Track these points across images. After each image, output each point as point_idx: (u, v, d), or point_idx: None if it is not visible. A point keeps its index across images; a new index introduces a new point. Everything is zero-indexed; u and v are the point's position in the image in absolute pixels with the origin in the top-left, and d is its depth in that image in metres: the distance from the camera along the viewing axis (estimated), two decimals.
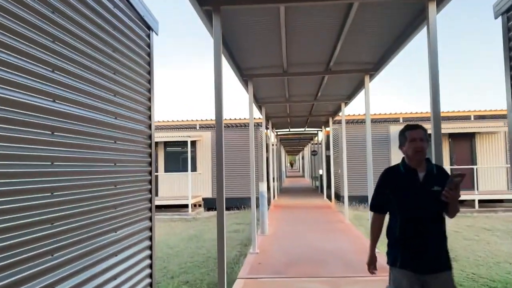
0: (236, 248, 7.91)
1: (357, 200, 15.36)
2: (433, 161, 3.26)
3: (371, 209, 2.85)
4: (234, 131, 16.22)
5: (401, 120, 18.65)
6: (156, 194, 16.06)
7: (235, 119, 19.50)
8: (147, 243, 3.65)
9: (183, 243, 8.76)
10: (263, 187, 8.20)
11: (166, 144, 16.30)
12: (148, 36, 3.79)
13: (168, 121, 19.59)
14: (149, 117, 3.79)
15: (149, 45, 3.79)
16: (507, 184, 14.91)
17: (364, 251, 5.19)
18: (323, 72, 7.37)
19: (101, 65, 2.81)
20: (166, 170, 16.22)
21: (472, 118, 18.97)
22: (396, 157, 15.50)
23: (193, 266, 6.88)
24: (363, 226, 9.67)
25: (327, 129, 19.97)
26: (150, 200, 3.80)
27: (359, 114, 19.10)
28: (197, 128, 17.24)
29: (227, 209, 15.60)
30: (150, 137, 3.80)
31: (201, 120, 19.27)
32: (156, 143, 15.93)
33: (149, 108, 3.79)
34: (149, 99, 3.79)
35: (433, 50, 3.85)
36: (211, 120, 19.49)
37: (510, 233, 9.39)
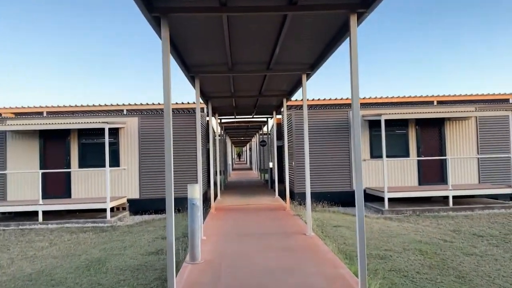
0: None
1: (312, 198, 13.10)
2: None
3: None
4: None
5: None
6: (69, 196, 12.82)
7: (176, 103, 16.51)
8: None
9: (72, 277, 5.85)
10: (194, 192, 5.50)
11: (81, 133, 13.04)
12: None
13: (90, 105, 16.25)
14: None
15: None
16: (478, 177, 13.33)
17: None
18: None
19: None
20: (81, 166, 12.99)
21: (436, 104, 17.41)
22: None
23: None
24: (332, 239, 7.28)
25: (278, 116, 17.63)
26: None
27: (318, 99, 16.92)
28: (124, 112, 14.08)
29: (158, 212, 12.71)
30: None
31: (129, 104, 16.14)
32: (68, 131, 12.64)
33: None
34: None
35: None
36: (141, 104, 16.41)
37: (509, 241, 7.46)
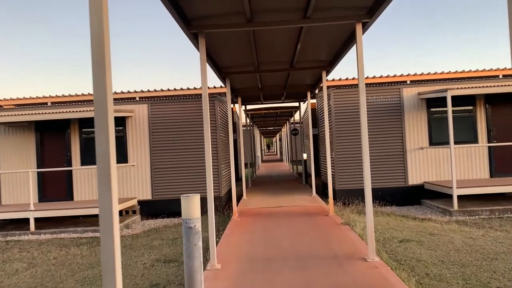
0: None
1: (353, 195, 10.74)
2: None
3: None
4: (185, 103, 11.22)
5: (408, 82, 14.15)
6: (71, 198, 11.04)
7: (188, 88, 14.51)
8: None
9: None
10: (191, 207, 3.34)
11: (83, 125, 11.18)
12: None
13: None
14: None
15: None
16: None
17: None
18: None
19: None
20: (83, 163, 11.15)
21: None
22: (412, 128, 10.88)
23: None
24: (407, 268, 4.96)
25: (312, 101, 15.30)
26: None
27: (353, 78, 14.46)
28: (137, 100, 12.17)
29: (173, 215, 10.75)
30: None
31: (142, 91, 14.21)
32: (67, 123, 10.81)
33: None
34: None
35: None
36: (155, 91, 14.45)
37: None
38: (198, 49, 5.18)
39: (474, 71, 13.73)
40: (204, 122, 4.91)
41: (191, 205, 3.27)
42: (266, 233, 6.65)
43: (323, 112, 13.03)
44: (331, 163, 11.12)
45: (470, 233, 6.91)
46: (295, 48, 6.83)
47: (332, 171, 11.53)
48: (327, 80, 11.61)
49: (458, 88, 9.23)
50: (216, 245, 5.93)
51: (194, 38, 5.23)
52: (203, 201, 10.91)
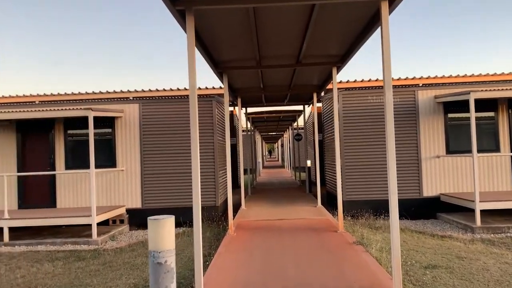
0: None
1: (362, 207, 9.79)
2: None
3: None
4: (181, 104, 10.30)
5: (420, 85, 13.26)
6: (54, 205, 10.10)
7: (185, 89, 13.62)
8: None
9: None
10: (161, 236, 2.39)
11: (68, 125, 10.27)
12: None
13: (89, 93, 13.58)
14: None
15: None
16: None
17: None
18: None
19: None
20: (68, 167, 10.22)
21: None
22: (427, 135, 9.93)
23: None
24: None
25: (318, 105, 14.38)
26: None
27: (362, 80, 13.55)
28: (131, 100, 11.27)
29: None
30: None
31: (135, 91, 13.32)
32: (51, 123, 9.93)
33: None
34: None
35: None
36: (150, 91, 13.57)
37: None
38: (185, 30, 4.23)
39: (492, 75, 12.80)
40: (191, 118, 3.98)
41: (161, 232, 2.33)
42: (266, 254, 5.69)
43: (329, 116, 12.10)
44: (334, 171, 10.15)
45: (503, 257, 5.93)
46: (303, 38, 5.84)
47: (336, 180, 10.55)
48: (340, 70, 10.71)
49: (482, 90, 8.29)
50: (206, 269, 4.97)
51: (180, 17, 4.33)
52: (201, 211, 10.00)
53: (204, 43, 6.00)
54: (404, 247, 6.40)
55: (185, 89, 13.18)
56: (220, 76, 7.56)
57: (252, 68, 7.26)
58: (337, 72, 7.45)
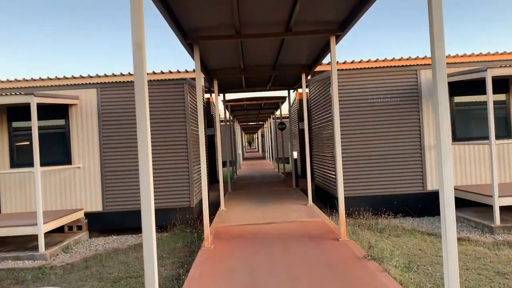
0: None
1: (358, 204, 8.55)
2: None
3: None
4: (148, 88, 8.72)
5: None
6: None
7: (153, 72, 12.07)
8: None
9: None
10: None
11: (12, 115, 8.62)
12: None
13: (50, 78, 11.90)
14: None
15: None
16: None
17: None
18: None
19: None
20: (14, 165, 8.61)
21: None
22: (431, 120, 8.65)
23: None
24: None
25: (300, 90, 13.03)
26: None
27: (368, 60, 12.30)
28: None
29: (130, 231, 8.40)
30: None
31: (96, 76, 11.68)
32: None
33: None
34: None
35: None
36: (113, 75, 11.95)
37: None
38: None
39: (502, 53, 11.62)
40: (136, 92, 2.55)
41: None
42: (252, 279, 4.32)
43: (317, 102, 10.77)
44: (328, 163, 8.87)
45: None
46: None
47: (330, 174, 9.26)
48: (321, 64, 9.35)
49: (501, 66, 7.08)
50: None
51: None
52: (170, 213, 8.59)
53: (168, 3, 4.59)
54: (426, 260, 5.15)
55: (154, 72, 11.59)
56: (190, 49, 6.08)
57: (231, 38, 5.80)
58: (337, 42, 6.05)
